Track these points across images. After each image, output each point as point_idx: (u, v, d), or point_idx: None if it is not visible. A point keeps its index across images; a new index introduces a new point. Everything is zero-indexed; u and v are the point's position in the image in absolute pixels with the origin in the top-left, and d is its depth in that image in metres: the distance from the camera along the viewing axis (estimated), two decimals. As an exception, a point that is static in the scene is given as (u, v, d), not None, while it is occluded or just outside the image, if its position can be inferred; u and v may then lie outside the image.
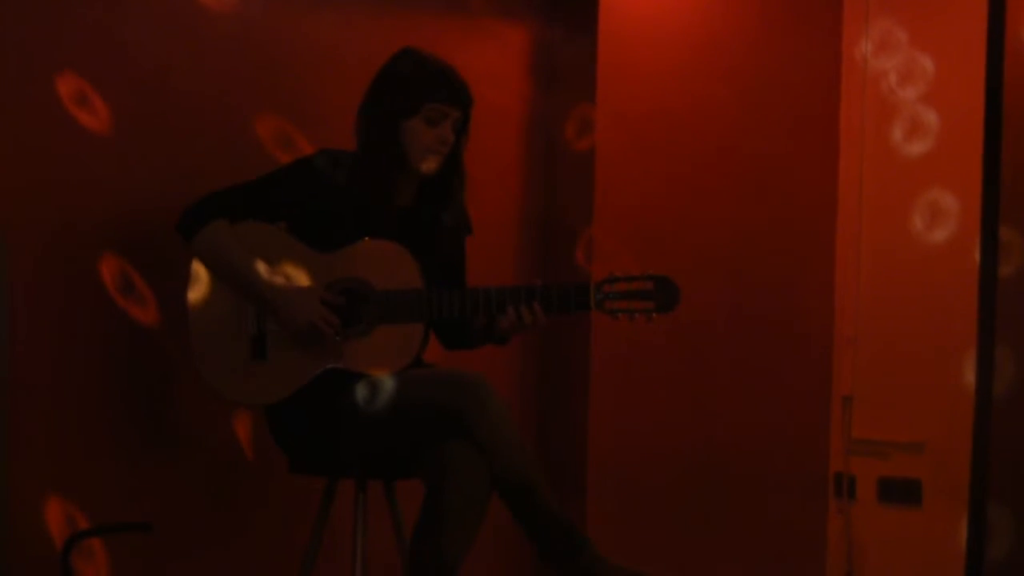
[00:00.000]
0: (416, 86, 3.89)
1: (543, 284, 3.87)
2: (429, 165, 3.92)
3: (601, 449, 5.16)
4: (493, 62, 5.07)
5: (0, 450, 3.84)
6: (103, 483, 4.12)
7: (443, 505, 3.65)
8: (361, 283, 3.85)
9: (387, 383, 3.79)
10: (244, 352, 3.84)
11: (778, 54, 4.94)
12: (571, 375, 5.22)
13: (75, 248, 4.07)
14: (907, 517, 4.75)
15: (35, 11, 3.98)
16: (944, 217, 4.69)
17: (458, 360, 4.22)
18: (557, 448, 5.17)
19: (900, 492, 4.77)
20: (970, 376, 3.63)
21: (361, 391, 3.79)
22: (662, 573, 4.89)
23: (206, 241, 3.85)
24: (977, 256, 3.49)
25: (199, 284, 3.88)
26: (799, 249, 4.87)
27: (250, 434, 4.37)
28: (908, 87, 4.78)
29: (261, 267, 3.84)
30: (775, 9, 4.96)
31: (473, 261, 4.15)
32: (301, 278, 3.86)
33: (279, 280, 3.84)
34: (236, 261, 3.84)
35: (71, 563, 3.91)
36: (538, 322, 3.85)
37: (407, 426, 3.76)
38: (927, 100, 4.75)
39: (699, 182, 5.06)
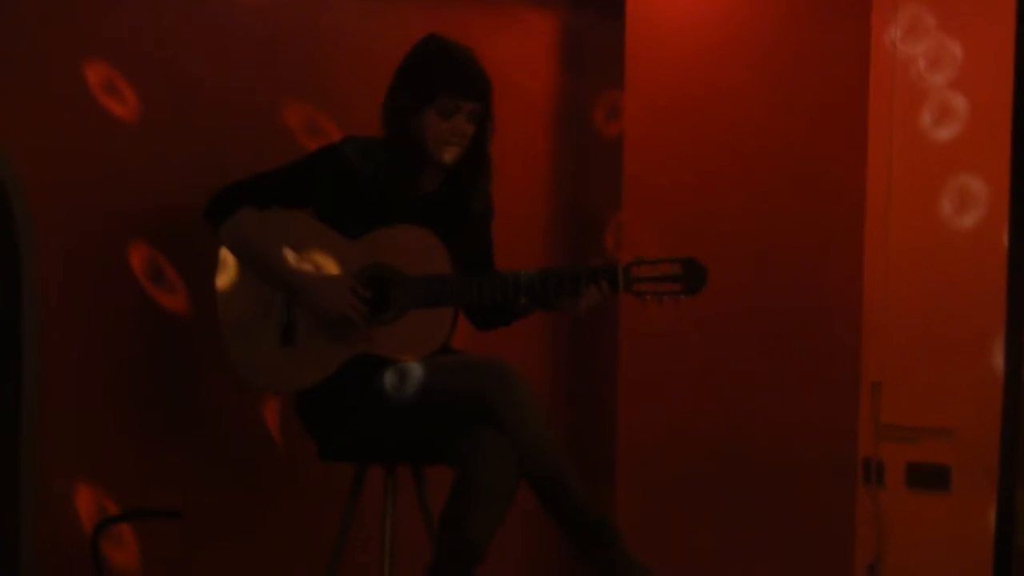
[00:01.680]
0: (429, 78, 3.88)
1: (571, 267, 3.88)
2: (447, 156, 3.91)
3: (630, 434, 5.17)
4: (521, 49, 5.08)
5: (31, 437, 3.87)
6: (133, 469, 4.13)
7: (471, 491, 3.67)
8: (390, 269, 3.86)
9: (416, 369, 3.80)
10: (274, 339, 3.85)
11: (807, 39, 4.92)
12: (600, 361, 5.23)
13: (105, 237, 4.09)
14: (936, 503, 4.73)
15: (64, 1, 4.00)
16: (973, 202, 4.67)
17: (487, 345, 4.23)
18: (586, 433, 5.18)
19: (929, 478, 4.75)
20: (999, 361, 3.63)
21: (390, 377, 3.80)
22: (690, 557, 4.90)
23: (234, 228, 3.86)
24: (1006, 241, 3.49)
25: (228, 271, 3.89)
26: (828, 234, 4.85)
27: (279, 420, 4.39)
28: (937, 72, 4.76)
29: (289, 254, 3.85)
30: (804, -5, 4.96)
31: (502, 246, 4.16)
32: (329, 265, 3.87)
33: (307, 267, 3.86)
34: (264, 248, 3.85)
35: (101, 549, 3.93)
36: (606, 298, 3.87)
37: (436, 412, 3.77)
38: (956, 85, 4.73)
39: (727, 168, 5.05)
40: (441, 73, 3.87)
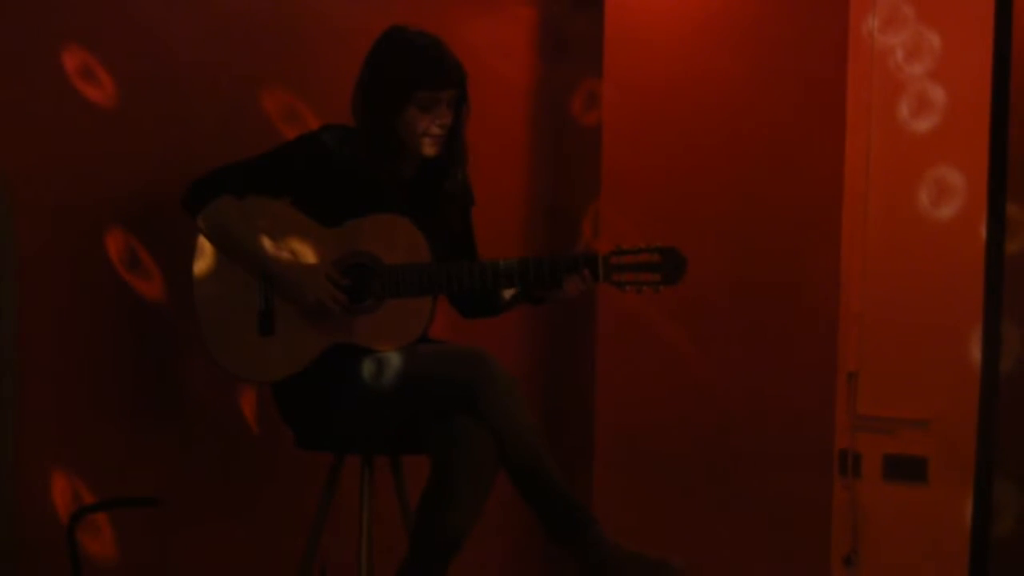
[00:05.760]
0: (404, 76, 3.85)
1: (551, 256, 3.87)
2: (428, 150, 3.90)
3: (607, 422, 5.17)
4: (500, 35, 5.07)
5: (7, 425, 3.85)
6: (109, 458, 4.11)
7: (449, 480, 3.67)
8: (369, 257, 3.85)
9: (395, 358, 3.79)
10: (251, 328, 3.84)
11: (785, 29, 4.93)
12: (577, 349, 5.23)
13: (81, 223, 4.06)
14: (913, 494, 4.75)
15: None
16: (951, 193, 4.69)
17: (465, 334, 4.22)
18: (564, 422, 5.18)
19: (906, 469, 4.77)
20: (976, 353, 3.63)
21: (369, 366, 3.79)
22: (666, 546, 4.90)
23: (212, 217, 3.84)
24: (983, 232, 3.49)
25: (205, 259, 3.88)
26: (806, 224, 4.87)
27: (256, 408, 4.37)
28: (915, 63, 4.77)
29: (267, 243, 3.84)
30: (782, -17, 4.96)
31: (479, 234, 4.15)
32: (308, 253, 3.85)
33: (286, 256, 3.84)
34: (242, 237, 3.84)
35: (77, 538, 3.92)
36: (590, 287, 3.87)
37: (415, 401, 3.77)
38: (934, 76, 4.74)
39: (706, 156, 5.05)
40: (416, 69, 3.85)
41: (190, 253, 3.89)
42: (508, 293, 4.03)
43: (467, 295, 4.06)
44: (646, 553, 3.69)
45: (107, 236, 4.10)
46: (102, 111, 4.09)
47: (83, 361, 4.09)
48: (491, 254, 4.01)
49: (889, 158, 4.81)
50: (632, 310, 4.65)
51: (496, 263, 3.86)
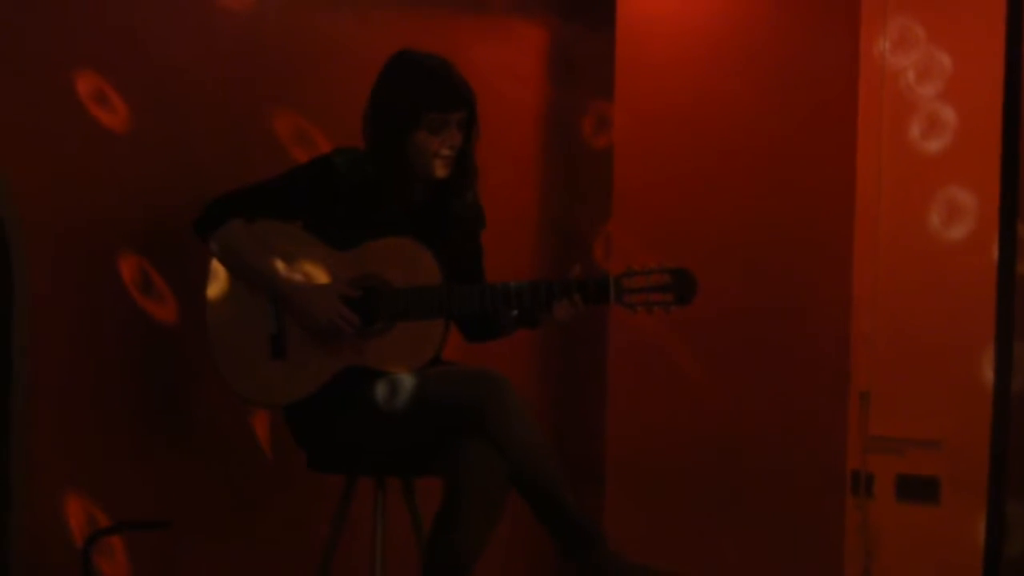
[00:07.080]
0: (413, 98, 3.86)
1: (562, 279, 3.87)
2: (440, 171, 3.91)
3: (618, 443, 5.17)
4: (511, 59, 5.08)
5: (20, 448, 3.86)
6: (122, 481, 4.12)
7: (461, 502, 3.67)
8: (380, 280, 3.86)
9: (407, 381, 3.79)
10: (264, 352, 3.84)
11: (796, 51, 4.94)
12: (588, 368, 5.23)
13: (94, 246, 4.08)
14: (925, 515, 4.74)
15: (54, 9, 3.99)
16: (962, 214, 4.68)
17: (476, 356, 4.22)
18: (575, 441, 5.18)
19: (918, 489, 4.76)
20: (988, 373, 3.63)
21: (381, 389, 3.80)
22: (678, 566, 4.90)
23: (223, 240, 3.86)
24: (995, 253, 3.49)
25: (218, 282, 3.89)
26: (817, 245, 4.87)
27: (269, 431, 4.38)
28: (926, 84, 4.77)
29: (279, 266, 3.85)
30: (793, 6, 4.96)
31: (491, 257, 4.15)
32: (320, 276, 3.87)
33: (297, 278, 3.85)
34: (254, 260, 3.85)
35: (92, 561, 3.92)
36: (580, 312, 3.85)
37: (427, 423, 3.77)
38: (945, 97, 4.73)
39: (717, 178, 5.06)
40: (425, 91, 3.86)
41: (203, 276, 3.90)
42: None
43: (471, 319, 4.07)
44: (653, 566, 3.70)
45: (120, 259, 4.12)
46: (115, 135, 4.11)
47: (96, 385, 4.09)
48: (503, 275, 4.01)
49: (900, 179, 4.81)
50: (643, 329, 4.65)
51: (507, 286, 3.86)
